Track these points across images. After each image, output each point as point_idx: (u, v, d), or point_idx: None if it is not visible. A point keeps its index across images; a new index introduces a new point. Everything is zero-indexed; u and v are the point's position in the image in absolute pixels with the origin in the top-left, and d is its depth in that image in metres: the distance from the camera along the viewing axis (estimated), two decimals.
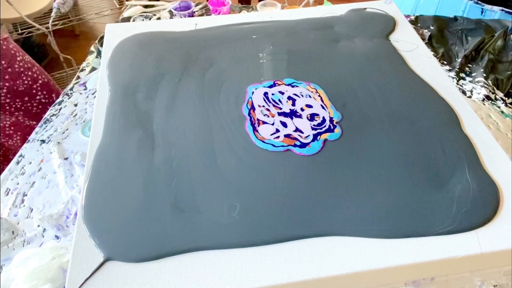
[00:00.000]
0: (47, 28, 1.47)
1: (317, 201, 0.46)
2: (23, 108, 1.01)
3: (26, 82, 0.98)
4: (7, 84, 0.94)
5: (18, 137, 1.04)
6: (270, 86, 0.60)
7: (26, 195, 0.68)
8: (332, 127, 0.54)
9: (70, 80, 1.00)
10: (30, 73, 0.99)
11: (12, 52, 0.95)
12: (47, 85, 1.04)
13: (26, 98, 1.00)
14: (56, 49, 1.50)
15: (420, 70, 0.63)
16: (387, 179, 0.48)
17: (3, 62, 0.92)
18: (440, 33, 1.07)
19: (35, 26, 1.55)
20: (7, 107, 0.98)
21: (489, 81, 0.92)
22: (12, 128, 1.02)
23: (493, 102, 0.88)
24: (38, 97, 1.02)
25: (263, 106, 0.57)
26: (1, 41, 0.92)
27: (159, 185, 0.47)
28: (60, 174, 0.71)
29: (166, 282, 0.39)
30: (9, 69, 0.94)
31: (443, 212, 0.44)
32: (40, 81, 1.01)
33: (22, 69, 0.96)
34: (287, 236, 0.43)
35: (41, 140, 0.79)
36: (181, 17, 1.10)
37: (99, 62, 0.99)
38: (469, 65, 0.98)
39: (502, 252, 0.42)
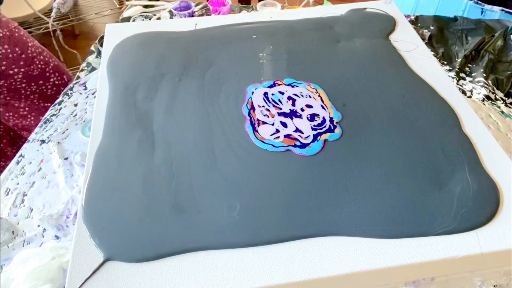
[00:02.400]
0: (48, 27, 1.47)
1: (317, 201, 0.46)
2: (38, 91, 1.04)
3: (39, 66, 1.01)
4: (22, 70, 0.97)
5: (32, 117, 1.07)
6: (270, 86, 0.60)
7: (26, 195, 0.68)
8: (332, 127, 0.54)
9: (70, 81, 1.00)
10: (41, 57, 1.02)
11: (24, 38, 0.98)
12: (58, 68, 1.08)
13: (41, 82, 1.03)
14: (63, 44, 1.50)
15: (420, 70, 0.63)
16: (387, 179, 0.48)
17: (16, 49, 0.95)
18: (440, 33, 1.07)
19: (35, 26, 1.55)
20: (23, 92, 1.01)
21: (489, 81, 0.92)
22: (26, 109, 1.05)
23: (493, 102, 0.88)
24: (52, 80, 1.05)
25: (263, 106, 0.57)
26: (13, 29, 0.94)
27: (159, 185, 0.47)
28: (60, 174, 0.71)
29: (166, 282, 0.39)
30: (23, 55, 0.96)
31: (443, 212, 0.44)
32: (51, 64, 1.05)
33: (34, 54, 0.99)
34: (287, 236, 0.43)
35: (41, 140, 0.79)
36: (181, 17, 1.10)
37: (99, 62, 0.99)
38: (469, 65, 0.98)
39: (502, 252, 0.42)
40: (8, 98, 1.00)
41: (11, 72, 0.95)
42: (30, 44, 0.99)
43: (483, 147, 0.51)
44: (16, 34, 0.96)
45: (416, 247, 0.42)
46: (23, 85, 0.99)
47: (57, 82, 1.06)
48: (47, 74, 1.03)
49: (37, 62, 1.00)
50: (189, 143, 0.52)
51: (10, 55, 0.94)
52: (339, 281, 0.41)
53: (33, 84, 1.01)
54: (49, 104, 1.05)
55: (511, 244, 0.42)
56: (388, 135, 0.53)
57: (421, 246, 0.42)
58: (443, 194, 0.46)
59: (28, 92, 1.02)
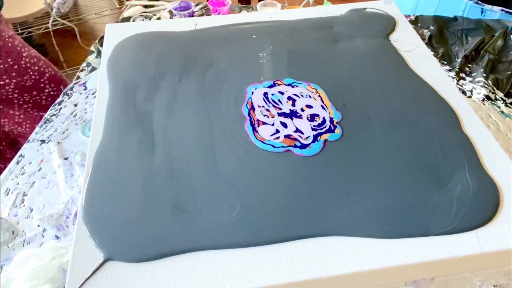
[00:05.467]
0: (48, 27, 1.47)
1: (317, 201, 0.46)
2: (32, 101, 1.02)
3: (33, 77, 0.99)
4: (14, 80, 0.95)
5: (27, 125, 1.05)
6: (270, 86, 0.60)
7: (26, 195, 0.68)
8: (332, 128, 0.54)
9: (70, 80, 1.00)
10: (36, 67, 1.00)
11: (18, 48, 0.96)
12: (54, 78, 1.05)
13: (35, 92, 1.01)
14: (80, 42, 1.48)
15: (420, 70, 0.63)
16: (387, 179, 0.48)
17: (9, 59, 0.93)
18: (440, 33, 1.07)
19: (35, 26, 1.55)
20: (16, 102, 1.00)
21: (489, 81, 0.92)
22: (21, 117, 1.04)
23: (493, 102, 0.88)
24: (46, 90, 1.03)
25: (263, 106, 0.57)
26: (7, 39, 0.93)
27: (159, 185, 0.47)
28: (60, 174, 0.71)
29: (166, 282, 0.39)
30: (16, 66, 0.95)
31: (443, 212, 0.44)
32: (47, 75, 1.03)
33: (28, 65, 0.97)
34: (287, 236, 0.43)
35: (41, 140, 0.79)
36: (181, 17, 1.10)
37: (99, 62, 0.99)
38: (469, 65, 0.98)
39: (502, 252, 0.42)
40: (1, 106, 0.99)
41: (2, 82, 0.93)
42: (24, 55, 0.96)
43: (483, 147, 0.51)
44: (10, 44, 0.93)
45: (416, 247, 0.42)
46: (15, 95, 0.97)
47: (52, 93, 1.04)
48: (42, 84, 1.01)
49: (31, 73, 0.97)
50: (189, 143, 0.52)
51: (1, 66, 0.92)
52: (339, 281, 0.41)
53: (26, 94, 0.99)
54: (44, 114, 1.04)
55: (511, 244, 0.42)
56: (388, 135, 0.53)
57: (421, 246, 0.42)
58: (443, 194, 0.46)
59: (21, 102, 1.00)
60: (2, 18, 0.99)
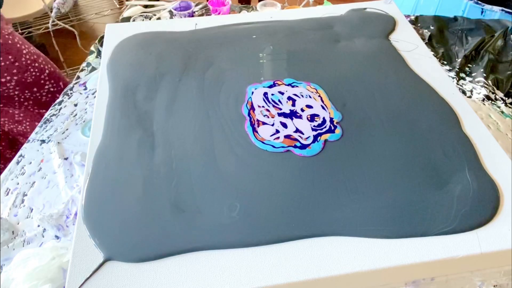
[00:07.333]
0: (48, 27, 1.47)
1: (317, 201, 0.46)
2: (32, 98, 1.02)
3: (33, 73, 0.99)
4: (15, 77, 0.96)
5: (27, 123, 1.06)
6: (270, 86, 0.60)
7: (26, 195, 0.68)
8: (332, 128, 0.54)
9: (70, 80, 1.00)
10: (36, 64, 1.00)
11: (18, 45, 0.96)
12: (54, 74, 1.06)
13: (35, 89, 1.01)
14: (79, 44, 1.49)
15: (420, 70, 0.63)
16: (387, 179, 0.48)
17: (9, 56, 0.93)
18: (440, 33, 1.07)
19: (35, 26, 1.55)
20: (16, 99, 1.00)
21: (489, 81, 0.92)
22: (21, 115, 1.04)
23: (493, 102, 0.88)
24: (46, 87, 1.04)
25: (263, 106, 0.57)
26: (7, 36, 0.93)
27: (159, 185, 0.47)
28: (60, 174, 0.71)
29: (166, 282, 0.39)
30: (16, 63, 0.95)
31: (443, 212, 0.44)
32: (47, 71, 1.03)
33: (29, 62, 0.98)
34: (287, 236, 0.43)
35: (41, 140, 0.79)
36: (181, 17, 1.10)
37: (99, 62, 0.99)
38: (469, 65, 0.98)
39: (502, 252, 0.42)
40: (1, 105, 0.99)
41: (3, 80, 0.93)
42: (24, 52, 0.97)
43: (483, 147, 0.51)
44: (10, 42, 0.94)
45: (416, 247, 0.42)
46: (16, 92, 0.98)
47: (52, 89, 1.05)
48: (42, 81, 1.02)
49: (32, 70, 0.98)
50: (189, 143, 0.52)
51: (2, 63, 0.92)
52: (339, 281, 0.41)
53: (27, 91, 0.99)
54: (44, 111, 1.03)
55: (511, 244, 0.42)
56: (388, 135, 0.53)
57: (421, 246, 0.42)
58: (443, 194, 0.46)
59: (22, 99, 1.00)
60: (2, 17, 0.99)
